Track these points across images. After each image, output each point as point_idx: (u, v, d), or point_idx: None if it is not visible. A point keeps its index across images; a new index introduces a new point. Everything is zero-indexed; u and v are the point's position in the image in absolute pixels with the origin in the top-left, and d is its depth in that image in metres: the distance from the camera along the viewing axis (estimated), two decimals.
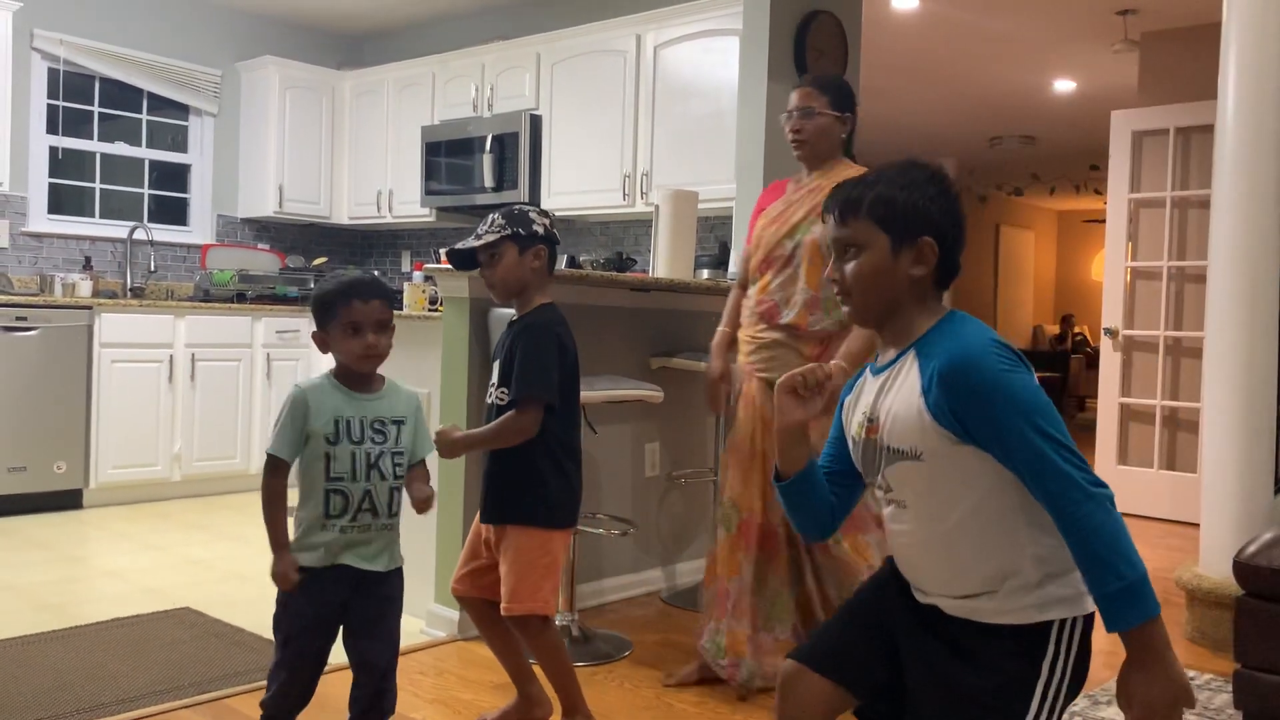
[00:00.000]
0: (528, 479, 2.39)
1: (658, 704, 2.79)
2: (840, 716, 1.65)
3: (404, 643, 3.08)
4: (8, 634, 3.13)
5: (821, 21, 4.46)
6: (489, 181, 5.56)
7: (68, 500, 5.09)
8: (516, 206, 2.47)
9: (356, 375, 2.07)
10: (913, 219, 1.53)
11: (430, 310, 3.79)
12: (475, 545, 2.52)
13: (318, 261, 6.59)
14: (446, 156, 5.82)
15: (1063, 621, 1.48)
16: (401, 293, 3.96)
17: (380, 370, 2.13)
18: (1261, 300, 3.32)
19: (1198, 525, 3.48)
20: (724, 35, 4.72)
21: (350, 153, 6.57)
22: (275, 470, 2.02)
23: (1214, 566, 3.36)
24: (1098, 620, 1.44)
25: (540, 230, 2.42)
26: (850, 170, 2.87)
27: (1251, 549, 2.60)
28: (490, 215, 2.44)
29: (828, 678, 1.62)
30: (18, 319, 4.92)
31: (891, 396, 1.54)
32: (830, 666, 1.63)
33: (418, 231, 6.78)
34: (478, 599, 2.52)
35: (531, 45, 5.55)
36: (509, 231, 2.38)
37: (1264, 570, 2.52)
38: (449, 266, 3.25)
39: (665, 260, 3.90)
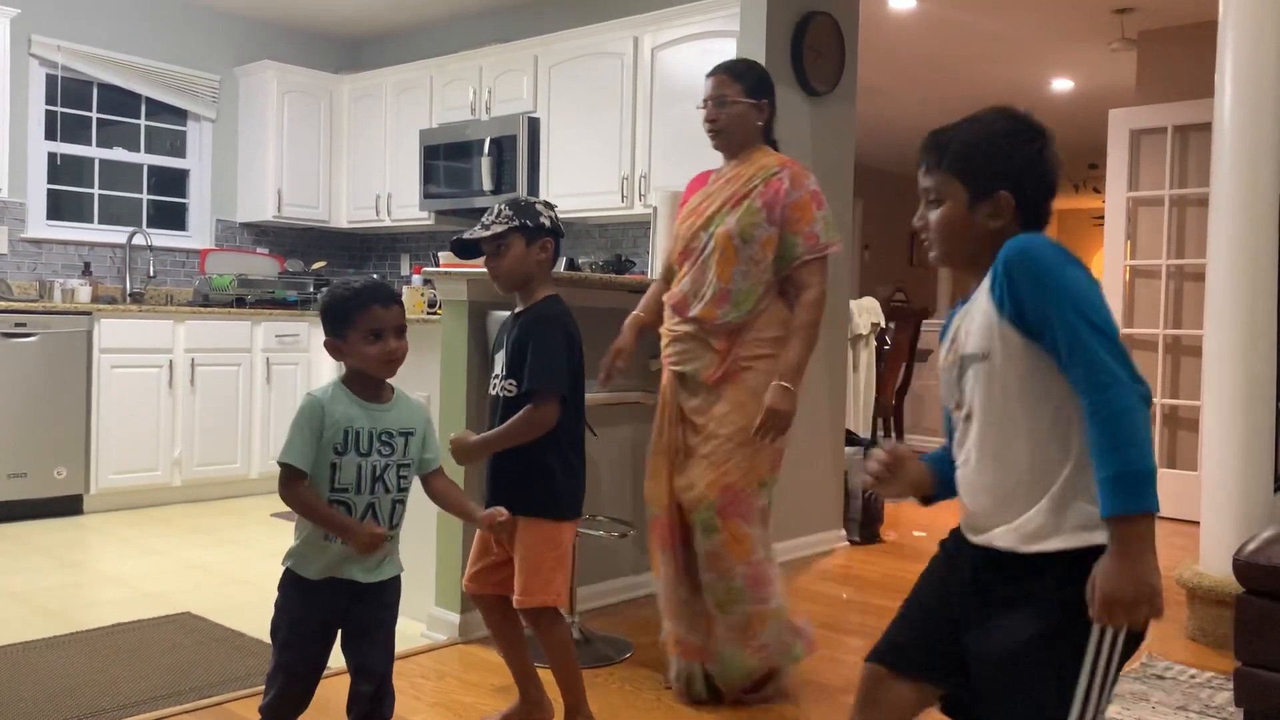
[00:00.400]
0: (536, 471, 2.39)
1: (659, 706, 2.79)
2: (926, 712, 1.69)
3: (404, 646, 3.09)
4: (9, 640, 3.13)
5: (819, 22, 4.46)
6: (487, 184, 5.56)
7: (68, 506, 5.09)
8: (522, 197, 2.46)
9: (369, 383, 2.05)
10: (990, 172, 1.57)
11: (429, 313, 3.79)
12: (485, 541, 2.52)
13: (317, 265, 6.59)
14: (445, 160, 5.82)
15: None
16: (400, 296, 3.96)
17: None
18: (1261, 298, 3.32)
19: (1198, 523, 3.47)
20: (721, 37, 4.72)
21: (349, 157, 6.57)
22: (292, 480, 1.96)
23: (1214, 564, 3.36)
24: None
25: (547, 222, 2.43)
26: (769, 158, 2.82)
27: (1251, 547, 2.60)
28: (496, 205, 2.44)
29: (906, 676, 1.66)
30: (17, 325, 4.92)
31: (969, 315, 1.60)
32: (906, 663, 1.66)
33: (416, 235, 6.78)
34: (490, 595, 2.52)
35: (529, 48, 5.56)
36: (517, 223, 2.39)
37: (1264, 568, 2.52)
38: (449, 270, 3.26)
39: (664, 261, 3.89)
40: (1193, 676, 3.08)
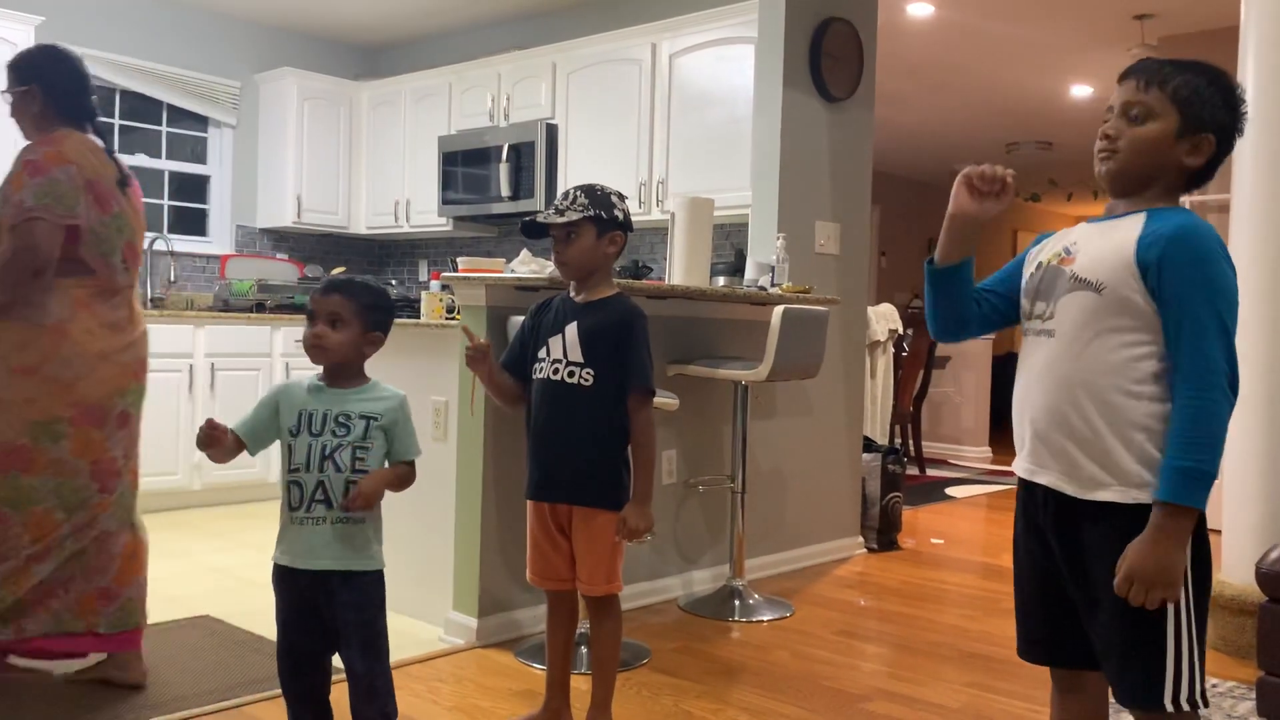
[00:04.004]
0: (613, 462, 2.41)
1: (676, 711, 2.78)
2: None
3: (422, 650, 3.10)
4: None
5: (836, 28, 4.46)
6: (506, 190, 5.58)
7: None
8: (598, 187, 2.42)
9: (339, 370, 2.15)
10: (1208, 113, 1.61)
11: (447, 319, 3.80)
12: (551, 536, 2.47)
13: (336, 271, 6.62)
14: (463, 166, 5.85)
15: None
16: (419, 301, 3.98)
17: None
18: None
19: (1219, 531, 3.45)
20: (739, 43, 4.73)
21: (368, 163, 6.61)
22: None
23: (1236, 573, 3.33)
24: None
25: (620, 215, 2.41)
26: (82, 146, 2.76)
27: (1274, 555, 2.58)
28: (570, 190, 2.40)
29: (1078, 668, 1.72)
30: None
31: (1102, 236, 1.63)
32: (1068, 657, 1.72)
33: (435, 240, 6.81)
34: (567, 590, 2.52)
35: (547, 55, 5.58)
36: (591, 213, 2.36)
37: None
38: (467, 275, 3.27)
39: (681, 267, 3.91)
40: (1214, 686, 3.05)
